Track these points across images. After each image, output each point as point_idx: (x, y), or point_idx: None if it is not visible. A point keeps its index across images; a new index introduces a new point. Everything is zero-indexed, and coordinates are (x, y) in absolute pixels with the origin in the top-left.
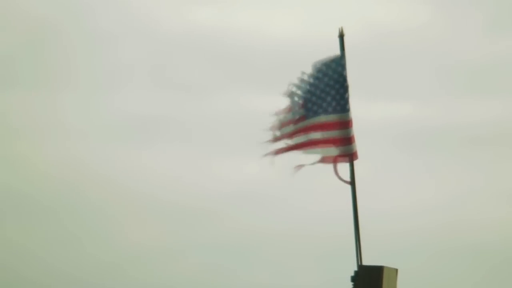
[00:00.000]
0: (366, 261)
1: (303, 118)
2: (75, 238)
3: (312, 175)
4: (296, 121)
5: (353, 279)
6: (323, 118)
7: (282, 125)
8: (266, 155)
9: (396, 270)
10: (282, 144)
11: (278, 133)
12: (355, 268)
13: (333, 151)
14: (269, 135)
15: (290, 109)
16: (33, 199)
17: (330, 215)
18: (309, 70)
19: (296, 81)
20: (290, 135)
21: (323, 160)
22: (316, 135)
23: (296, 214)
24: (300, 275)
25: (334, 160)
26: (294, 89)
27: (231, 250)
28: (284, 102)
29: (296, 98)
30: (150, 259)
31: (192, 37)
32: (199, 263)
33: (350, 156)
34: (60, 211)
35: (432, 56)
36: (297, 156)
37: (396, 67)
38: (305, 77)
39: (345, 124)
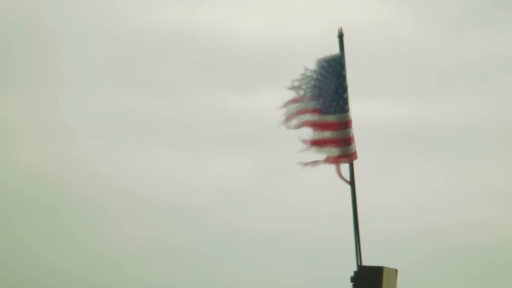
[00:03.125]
0: (355, 260)
1: (318, 110)
2: (68, 234)
3: (303, 173)
4: (312, 111)
5: (353, 279)
6: (330, 118)
7: (298, 113)
8: (302, 148)
9: (396, 270)
10: (305, 133)
11: (297, 120)
12: (346, 267)
13: (335, 151)
14: (288, 124)
15: (299, 100)
16: (22, 196)
17: (322, 214)
18: (310, 66)
19: (299, 77)
20: (312, 125)
21: (327, 160)
22: (327, 134)
23: (286, 212)
24: (290, 273)
25: (336, 161)
26: (297, 83)
27: (222, 247)
28: (287, 95)
29: (302, 92)
30: (140, 255)
31: (163, 36)
32: (189, 259)
33: (349, 156)
34: (48, 208)
35: (404, 55)
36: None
37: (369, 66)
38: (308, 73)
39: (345, 124)
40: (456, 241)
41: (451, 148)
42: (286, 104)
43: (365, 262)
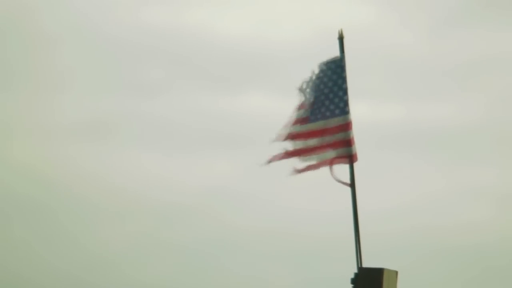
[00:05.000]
0: (347, 261)
1: (306, 120)
2: (63, 234)
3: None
4: (301, 121)
5: (353, 281)
6: (321, 124)
7: (294, 122)
8: (267, 159)
9: (396, 272)
10: (282, 147)
11: (284, 131)
12: (337, 267)
13: (329, 154)
14: (279, 132)
15: (303, 106)
16: (17, 196)
17: (314, 214)
18: (314, 69)
19: (307, 79)
20: (293, 137)
21: (318, 165)
22: (313, 141)
23: (278, 211)
24: (282, 273)
25: (331, 163)
26: (305, 86)
27: (214, 246)
28: (298, 99)
29: (308, 96)
30: (134, 254)
31: (147, 37)
32: (182, 258)
33: (350, 158)
34: (43, 208)
35: (389, 56)
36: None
37: (354, 68)
38: (313, 77)
39: (345, 126)
40: (449, 243)
41: (439, 149)
42: (296, 109)
43: (355, 264)
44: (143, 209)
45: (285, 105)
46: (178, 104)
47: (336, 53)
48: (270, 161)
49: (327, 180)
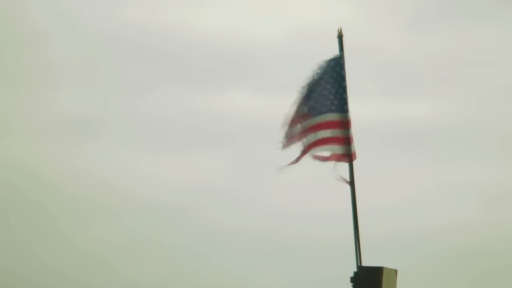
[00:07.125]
0: (342, 260)
1: (308, 115)
2: (57, 232)
3: (282, 171)
4: (301, 118)
5: (353, 279)
6: (329, 117)
7: (290, 123)
8: (287, 164)
9: (396, 271)
10: (295, 146)
11: (289, 133)
12: (328, 267)
13: (338, 149)
14: (281, 135)
15: (302, 102)
16: (10, 195)
17: (302, 212)
18: (313, 67)
19: (307, 77)
20: (300, 135)
21: (332, 157)
22: (326, 133)
23: (266, 210)
24: (271, 272)
25: (338, 159)
26: (304, 83)
27: (204, 245)
28: (296, 95)
29: (306, 92)
30: (126, 252)
31: (124, 36)
32: (172, 256)
33: (349, 156)
34: (36, 206)
35: (368, 55)
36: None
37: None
38: (313, 74)
39: (345, 124)
40: (439, 243)
41: (427, 149)
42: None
43: (350, 263)
44: (133, 206)
45: (268, 102)
46: (164, 102)
47: (316, 50)
48: (291, 163)
49: (319, 178)
